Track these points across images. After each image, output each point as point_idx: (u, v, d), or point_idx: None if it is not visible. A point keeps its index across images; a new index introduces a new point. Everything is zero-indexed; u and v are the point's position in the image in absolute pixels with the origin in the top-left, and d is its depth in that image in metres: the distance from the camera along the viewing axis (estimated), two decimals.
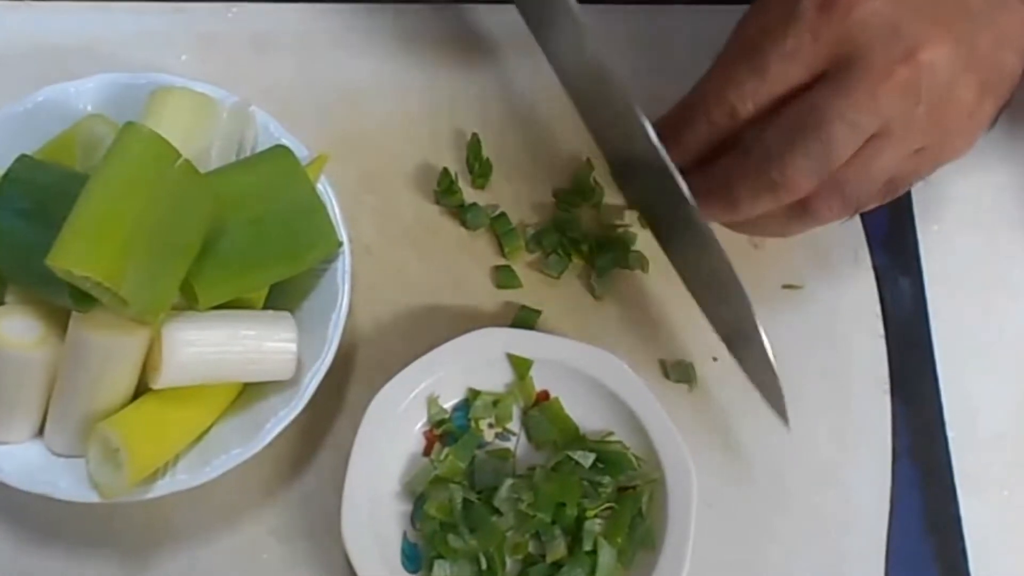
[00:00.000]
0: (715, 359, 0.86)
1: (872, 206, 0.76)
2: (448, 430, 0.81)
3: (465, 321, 0.85)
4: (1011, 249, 0.92)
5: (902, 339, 0.88)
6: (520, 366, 0.82)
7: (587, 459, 0.79)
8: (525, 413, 0.82)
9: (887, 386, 0.87)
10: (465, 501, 0.78)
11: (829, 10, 0.69)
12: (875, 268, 0.90)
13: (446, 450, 0.81)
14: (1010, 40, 0.72)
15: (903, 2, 0.69)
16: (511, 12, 0.84)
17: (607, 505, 0.79)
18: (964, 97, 0.71)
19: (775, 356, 0.78)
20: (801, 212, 0.74)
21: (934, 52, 0.69)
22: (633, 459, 0.79)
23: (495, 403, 0.82)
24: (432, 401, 0.81)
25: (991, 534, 0.84)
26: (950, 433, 0.86)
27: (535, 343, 0.82)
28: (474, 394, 0.82)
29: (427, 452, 0.81)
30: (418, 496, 0.80)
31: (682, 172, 0.75)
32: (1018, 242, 0.92)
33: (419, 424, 0.81)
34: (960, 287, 0.90)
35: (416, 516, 0.80)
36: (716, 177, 0.75)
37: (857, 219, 0.91)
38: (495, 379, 0.82)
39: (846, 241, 0.90)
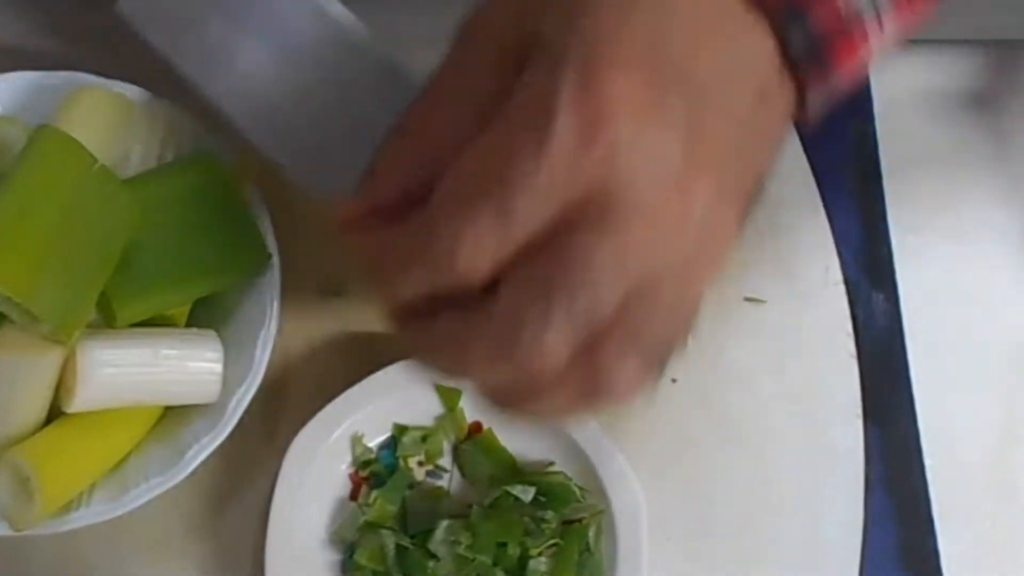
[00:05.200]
0: (674, 380, 0.88)
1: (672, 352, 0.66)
2: (375, 471, 0.83)
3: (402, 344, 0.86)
4: (992, 262, 0.93)
5: (876, 359, 0.89)
6: (448, 397, 0.84)
7: (527, 493, 0.80)
8: (457, 448, 0.84)
9: (860, 410, 0.88)
10: (398, 547, 0.80)
11: (591, 142, 0.59)
12: (846, 282, 0.91)
13: (374, 493, 0.82)
14: (770, 155, 0.66)
15: (670, 143, 0.59)
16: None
17: (552, 542, 0.81)
18: (728, 225, 0.63)
19: (738, 376, 0.82)
20: (590, 384, 0.62)
21: (701, 194, 0.60)
22: (577, 490, 0.81)
23: (424, 438, 0.83)
24: (356, 440, 0.83)
25: (971, 569, 0.86)
26: (927, 461, 0.87)
27: None
28: (400, 430, 0.84)
29: (354, 496, 0.83)
30: (348, 544, 0.82)
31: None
32: (1000, 254, 0.93)
33: (344, 465, 0.83)
34: (938, 303, 0.91)
35: (347, 566, 0.82)
36: (446, 331, 0.64)
37: (826, 227, 0.91)
38: (424, 413, 0.84)
39: (814, 252, 0.91)
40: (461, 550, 0.79)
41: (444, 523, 0.80)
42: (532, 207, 0.59)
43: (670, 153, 0.59)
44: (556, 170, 0.58)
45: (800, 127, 0.67)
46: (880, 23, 0.62)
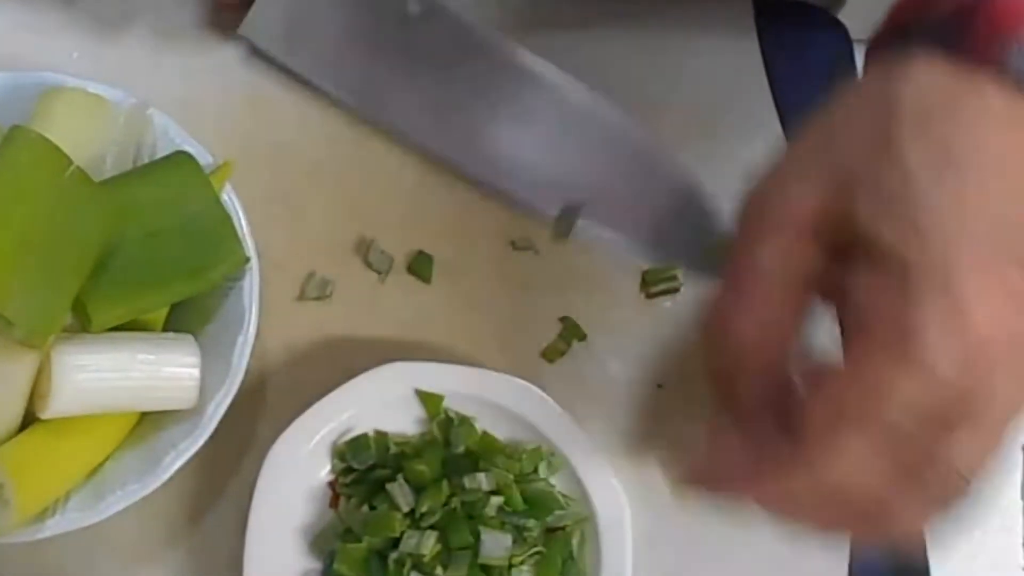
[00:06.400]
0: (660, 386, 0.88)
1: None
2: (356, 479, 0.83)
3: (384, 350, 0.86)
4: None
5: None
6: (431, 403, 0.84)
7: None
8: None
9: None
10: (379, 555, 0.80)
11: (959, 368, 0.60)
12: None
13: (353, 500, 0.82)
14: None
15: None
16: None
17: (535, 550, 0.81)
18: None
19: None
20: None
21: None
22: (560, 498, 0.82)
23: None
24: (336, 449, 0.83)
25: None
26: None
27: (447, 375, 0.84)
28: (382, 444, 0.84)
29: (334, 504, 0.83)
30: (328, 552, 0.82)
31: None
32: None
33: (323, 472, 0.84)
34: None
35: (327, 574, 0.82)
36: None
37: None
38: (405, 418, 0.84)
39: None
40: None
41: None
42: (903, 426, 0.60)
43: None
44: (925, 390, 0.59)
45: None
46: None
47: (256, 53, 0.92)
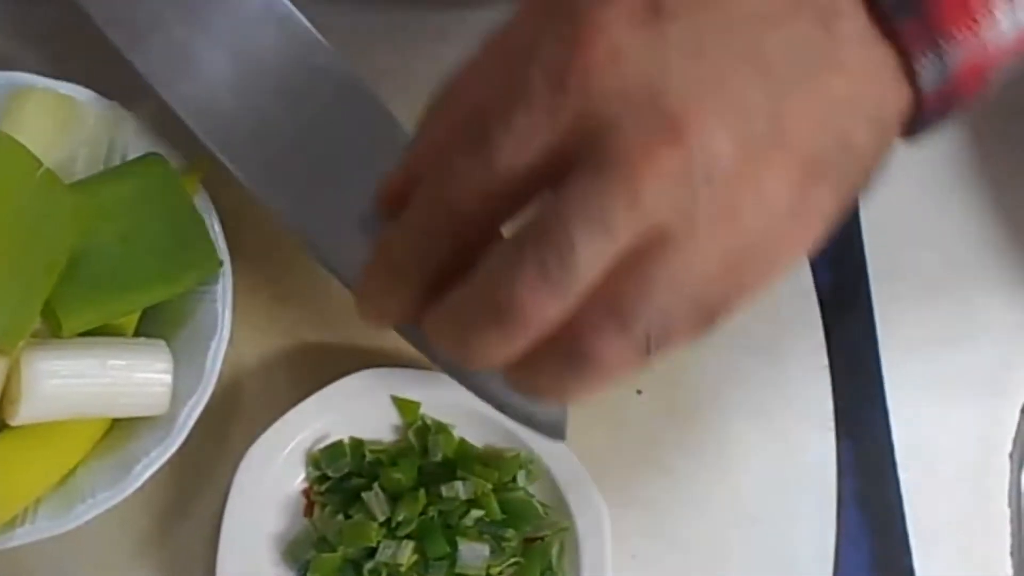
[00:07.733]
0: (639, 392, 0.88)
1: (683, 341, 0.60)
2: (331, 487, 0.83)
3: (360, 356, 0.86)
4: (970, 269, 0.93)
5: (849, 371, 0.90)
6: (407, 410, 0.84)
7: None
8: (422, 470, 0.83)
9: (831, 423, 0.89)
10: (354, 565, 0.81)
11: (565, 82, 0.56)
12: (818, 291, 0.91)
13: (328, 509, 0.82)
14: (847, 107, 0.58)
15: (663, 62, 0.56)
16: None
17: (513, 560, 0.81)
18: (774, 188, 0.58)
19: (706, 388, 0.83)
20: (571, 352, 0.59)
21: (706, 127, 0.56)
22: (539, 507, 0.82)
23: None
24: (310, 456, 0.83)
25: None
26: (902, 475, 0.88)
27: (424, 382, 0.84)
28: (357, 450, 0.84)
29: (308, 512, 0.84)
30: (301, 562, 0.82)
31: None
32: (977, 261, 0.94)
33: (298, 481, 0.84)
34: (913, 311, 0.92)
35: None
36: (445, 305, 0.61)
37: None
38: (381, 425, 0.84)
39: None
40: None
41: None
42: (513, 153, 0.57)
43: (656, 87, 0.56)
44: (534, 113, 0.56)
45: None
46: None
47: None
